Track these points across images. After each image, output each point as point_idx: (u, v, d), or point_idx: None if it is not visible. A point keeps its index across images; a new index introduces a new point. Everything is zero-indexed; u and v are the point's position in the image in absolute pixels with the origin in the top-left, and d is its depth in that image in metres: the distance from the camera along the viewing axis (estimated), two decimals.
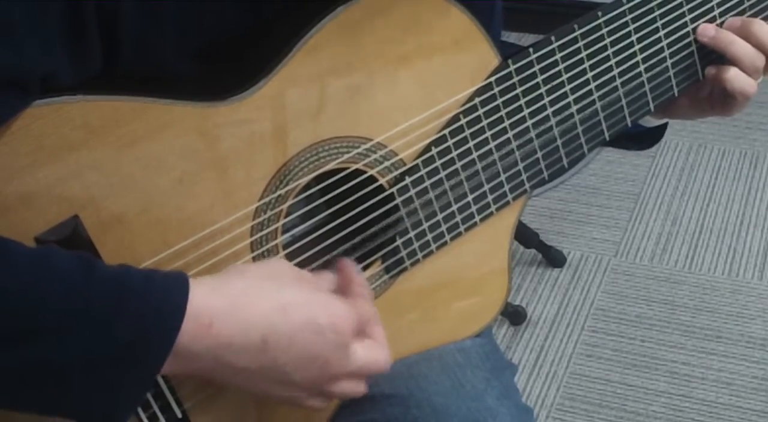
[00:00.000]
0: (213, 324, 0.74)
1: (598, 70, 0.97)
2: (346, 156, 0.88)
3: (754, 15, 1.04)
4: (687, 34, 1.01)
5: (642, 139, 1.10)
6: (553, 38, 0.94)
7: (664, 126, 1.10)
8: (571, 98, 0.97)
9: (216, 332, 0.74)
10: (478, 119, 0.93)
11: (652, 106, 1.02)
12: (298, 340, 0.77)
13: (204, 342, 0.74)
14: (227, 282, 0.78)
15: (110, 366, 0.72)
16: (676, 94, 1.03)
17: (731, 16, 1.02)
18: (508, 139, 0.95)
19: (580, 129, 0.99)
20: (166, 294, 0.73)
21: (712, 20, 1.02)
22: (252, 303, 0.76)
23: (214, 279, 0.78)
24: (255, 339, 0.76)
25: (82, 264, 0.72)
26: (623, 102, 1.00)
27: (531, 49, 0.94)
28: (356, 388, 0.83)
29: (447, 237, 0.95)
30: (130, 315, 0.72)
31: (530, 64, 0.94)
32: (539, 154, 0.97)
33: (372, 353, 0.82)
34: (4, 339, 0.69)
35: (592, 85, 0.98)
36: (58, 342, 0.70)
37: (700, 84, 1.04)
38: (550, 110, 0.96)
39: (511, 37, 2.91)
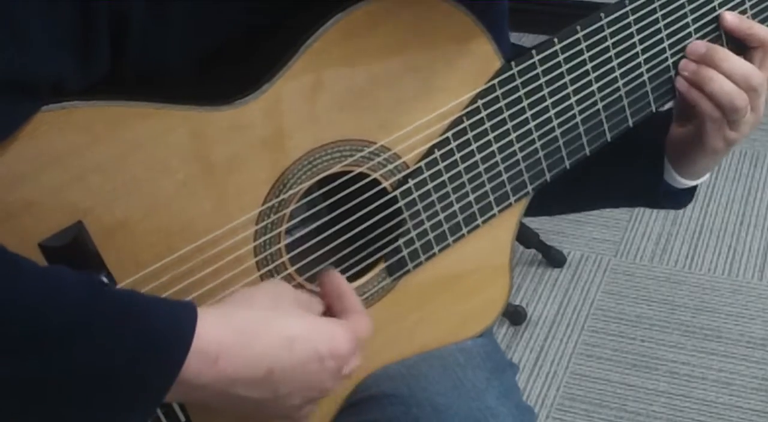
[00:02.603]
0: (219, 359, 0.74)
1: (600, 71, 0.97)
2: (349, 159, 0.88)
3: (756, 15, 1.04)
4: (689, 35, 1.01)
5: (673, 198, 1.11)
6: (555, 40, 0.94)
7: (694, 188, 1.10)
8: (573, 100, 0.97)
9: (222, 367, 0.74)
10: (481, 121, 0.93)
11: (653, 106, 1.02)
12: (300, 372, 0.78)
13: (209, 376, 0.74)
14: (234, 312, 0.77)
15: (112, 386, 0.71)
16: (678, 96, 1.02)
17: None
18: (511, 141, 0.95)
19: (582, 130, 0.98)
20: (171, 326, 0.73)
21: (714, 21, 1.02)
22: (259, 336, 0.77)
23: (221, 308, 0.78)
24: (260, 373, 0.76)
25: (90, 282, 0.72)
26: (625, 103, 1.00)
27: (534, 51, 0.94)
28: (338, 389, 0.84)
29: (449, 239, 0.95)
30: (133, 340, 0.71)
31: (533, 66, 0.94)
32: (542, 156, 0.97)
33: (354, 363, 0.83)
34: (9, 350, 0.68)
35: (595, 87, 0.97)
36: (61, 356, 0.69)
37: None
38: (552, 112, 0.96)
39: (511, 37, 2.90)
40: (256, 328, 0.77)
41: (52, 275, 0.71)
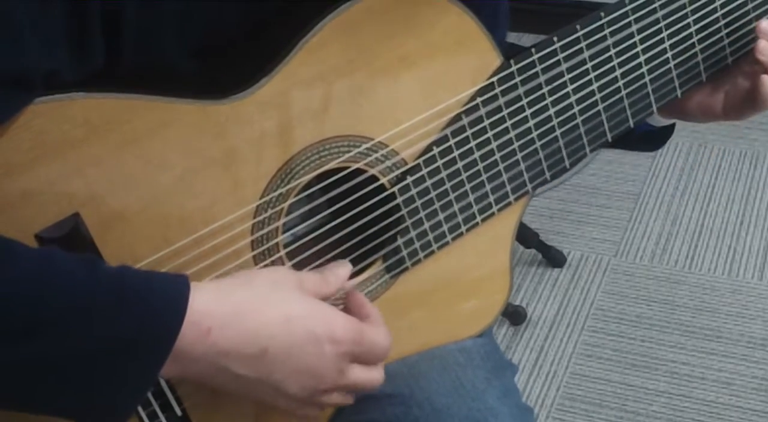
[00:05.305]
0: (211, 331, 0.75)
1: (600, 70, 0.97)
2: (347, 155, 0.88)
3: (759, 16, 1.03)
4: (690, 35, 1.00)
5: (649, 139, 1.10)
6: (555, 39, 0.94)
7: (672, 126, 1.09)
8: (573, 99, 0.97)
9: (213, 339, 0.75)
10: (479, 119, 0.93)
11: (655, 107, 1.01)
12: (296, 353, 0.78)
13: (202, 347, 0.75)
14: (232, 290, 0.78)
15: (111, 365, 0.72)
16: (680, 96, 1.02)
17: (735, 17, 1.02)
18: (510, 139, 0.95)
19: (582, 129, 0.98)
20: (166, 298, 0.74)
21: (715, 21, 1.01)
22: (256, 312, 0.77)
23: (219, 284, 0.79)
24: (254, 349, 0.77)
25: (85, 264, 0.73)
26: (626, 103, 1.00)
27: (533, 49, 0.94)
28: (345, 400, 0.86)
29: (448, 237, 0.95)
30: (131, 315, 0.72)
31: (532, 64, 0.94)
32: (541, 155, 0.97)
33: (367, 374, 0.84)
34: (8, 334, 0.69)
35: (595, 86, 0.97)
36: (59, 338, 0.70)
37: (712, 88, 1.03)
38: (552, 110, 0.96)
39: (510, 37, 2.90)
40: (252, 305, 0.77)
41: (47, 259, 0.72)
